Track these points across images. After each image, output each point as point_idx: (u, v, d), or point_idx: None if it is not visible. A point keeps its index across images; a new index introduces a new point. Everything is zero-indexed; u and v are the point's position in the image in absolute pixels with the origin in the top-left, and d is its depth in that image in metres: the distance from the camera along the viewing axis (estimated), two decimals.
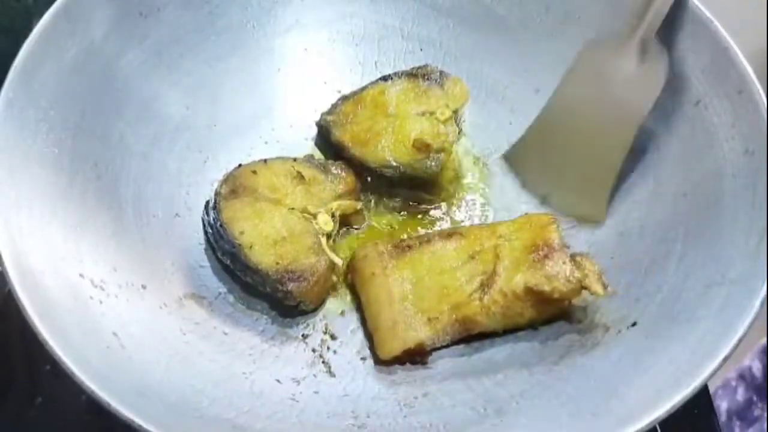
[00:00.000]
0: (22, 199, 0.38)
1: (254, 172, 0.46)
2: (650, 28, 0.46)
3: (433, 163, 0.48)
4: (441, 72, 0.51)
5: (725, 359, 0.34)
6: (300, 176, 0.47)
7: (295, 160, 0.48)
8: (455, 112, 0.49)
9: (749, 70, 0.42)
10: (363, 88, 0.51)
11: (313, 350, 0.44)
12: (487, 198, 0.51)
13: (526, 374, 0.41)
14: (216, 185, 0.47)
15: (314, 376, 0.42)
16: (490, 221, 0.50)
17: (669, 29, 0.45)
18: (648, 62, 0.46)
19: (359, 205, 0.48)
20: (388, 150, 0.48)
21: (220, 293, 0.45)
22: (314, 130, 0.52)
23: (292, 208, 0.45)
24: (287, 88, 0.53)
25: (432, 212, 0.50)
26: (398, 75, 0.51)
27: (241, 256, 0.43)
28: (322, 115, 0.51)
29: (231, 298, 0.45)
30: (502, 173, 0.52)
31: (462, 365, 0.43)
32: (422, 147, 0.48)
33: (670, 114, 0.45)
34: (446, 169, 0.51)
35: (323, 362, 0.43)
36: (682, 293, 0.40)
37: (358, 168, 0.49)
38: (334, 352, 0.44)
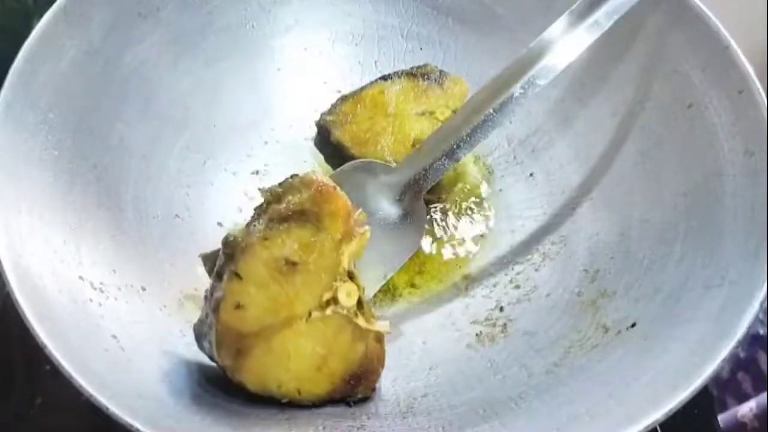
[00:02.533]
0: (21, 201, 0.38)
1: (238, 306, 0.35)
2: (424, 183, 0.44)
3: None
4: (441, 71, 0.51)
5: (725, 360, 0.34)
6: (286, 263, 0.36)
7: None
8: (455, 111, 0.49)
9: (749, 69, 0.42)
10: (363, 88, 0.51)
11: None
12: (487, 197, 0.51)
13: (525, 375, 0.41)
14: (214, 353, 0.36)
15: None
16: (491, 220, 0.50)
17: (669, 28, 0.45)
18: (410, 215, 0.45)
19: (366, 231, 0.38)
20: (388, 150, 0.48)
21: None
22: (314, 130, 0.52)
23: (309, 313, 0.36)
24: (287, 88, 0.53)
25: (432, 213, 0.50)
26: (398, 74, 0.51)
27: (298, 402, 0.37)
28: (322, 115, 0.51)
29: None
30: (502, 173, 0.52)
31: (461, 366, 0.43)
32: None
33: (670, 114, 0.45)
34: None
35: None
36: (682, 294, 0.40)
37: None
38: None
